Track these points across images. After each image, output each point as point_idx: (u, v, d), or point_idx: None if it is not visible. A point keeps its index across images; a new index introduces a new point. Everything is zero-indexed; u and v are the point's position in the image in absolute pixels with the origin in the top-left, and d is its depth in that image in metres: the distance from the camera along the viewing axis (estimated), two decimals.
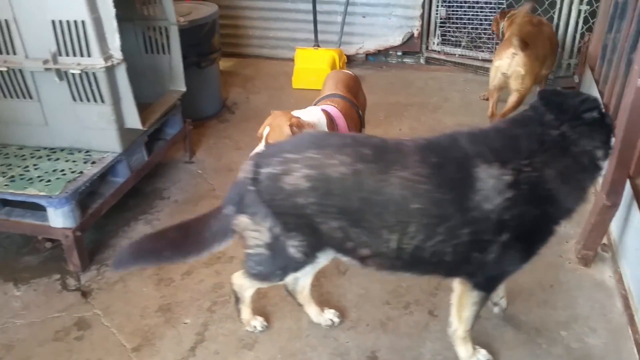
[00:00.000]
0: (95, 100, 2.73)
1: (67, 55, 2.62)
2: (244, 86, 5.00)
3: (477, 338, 2.23)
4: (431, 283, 2.54)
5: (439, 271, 1.89)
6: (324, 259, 1.90)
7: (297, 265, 1.86)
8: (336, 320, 2.33)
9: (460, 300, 1.96)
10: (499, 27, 4.20)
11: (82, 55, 2.61)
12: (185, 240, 1.98)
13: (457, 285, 1.95)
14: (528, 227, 1.72)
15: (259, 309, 2.43)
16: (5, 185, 2.65)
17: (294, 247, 1.77)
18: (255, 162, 1.80)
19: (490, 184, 1.62)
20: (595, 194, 2.68)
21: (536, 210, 1.69)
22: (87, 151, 2.92)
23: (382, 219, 1.67)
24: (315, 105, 2.85)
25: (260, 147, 2.44)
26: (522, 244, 1.75)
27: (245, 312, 2.25)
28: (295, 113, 2.60)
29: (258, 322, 2.29)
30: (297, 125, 2.46)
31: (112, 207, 2.90)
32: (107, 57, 2.62)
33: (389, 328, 2.32)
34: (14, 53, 2.68)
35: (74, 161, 2.84)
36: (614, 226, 2.69)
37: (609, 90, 3.26)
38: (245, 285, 2.13)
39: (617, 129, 2.41)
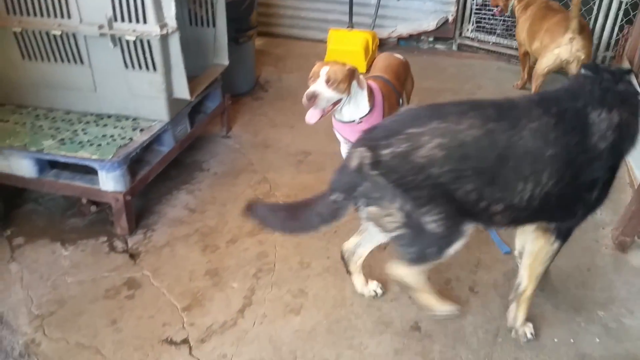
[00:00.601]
0: (147, 68, 2.78)
1: (123, 21, 2.67)
2: (275, 65, 5.03)
3: None
4: (470, 261, 2.59)
5: (549, 217, 2.01)
6: (468, 231, 1.87)
7: (444, 241, 1.84)
8: (379, 291, 2.39)
9: (537, 255, 2.09)
10: (508, 3, 4.19)
11: (137, 21, 2.66)
12: (295, 219, 2.04)
13: (537, 240, 2.08)
14: (619, 164, 1.93)
15: (302, 278, 2.49)
16: (56, 147, 2.72)
17: (432, 221, 1.78)
18: (367, 147, 1.78)
19: (604, 126, 1.82)
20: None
21: (626, 148, 1.91)
22: (135, 119, 2.98)
23: (517, 171, 1.78)
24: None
25: (320, 85, 2.57)
26: (611, 180, 1.94)
27: (428, 297, 2.09)
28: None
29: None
30: (353, 72, 2.63)
31: (155, 176, 2.97)
32: (163, 25, 2.67)
33: None
34: (69, 17, 2.74)
35: (123, 128, 2.90)
36: None
37: None
38: (409, 274, 2.00)
39: None
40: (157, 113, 2.93)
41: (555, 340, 2.19)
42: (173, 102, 2.96)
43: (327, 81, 2.55)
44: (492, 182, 1.78)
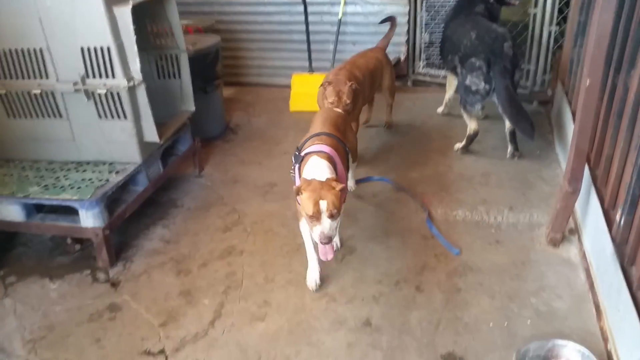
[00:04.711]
0: (118, 117, 3.12)
1: (94, 77, 3.03)
2: (245, 110, 5.41)
3: (458, 305, 2.57)
4: (418, 265, 2.88)
5: None
6: None
7: None
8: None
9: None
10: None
11: (107, 77, 3.02)
12: None
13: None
14: None
15: (267, 291, 2.77)
16: (41, 192, 3.02)
17: None
18: None
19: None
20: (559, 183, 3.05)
21: None
22: (111, 163, 3.30)
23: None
24: (305, 141, 2.77)
25: (327, 225, 2.35)
26: None
27: None
28: (305, 173, 2.53)
29: None
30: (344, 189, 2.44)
31: (133, 215, 3.26)
32: (129, 78, 3.03)
33: (380, 301, 2.65)
34: (47, 77, 3.10)
35: (100, 171, 3.22)
36: (579, 211, 3.04)
37: (575, 99, 3.67)
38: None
39: (575, 123, 2.82)
40: (130, 156, 3.25)
41: (491, 324, 2.47)
42: (144, 146, 3.29)
43: (332, 217, 2.34)
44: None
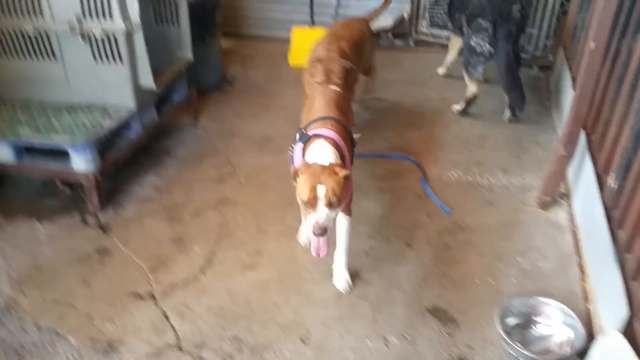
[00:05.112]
0: (114, 61, 3.07)
1: (91, 17, 2.95)
2: (243, 63, 5.32)
3: (446, 262, 2.60)
4: (409, 222, 2.90)
5: None
6: None
7: None
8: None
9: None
10: None
11: (104, 18, 2.94)
12: None
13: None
14: None
15: (259, 242, 2.78)
16: (32, 134, 2.99)
17: None
18: None
19: None
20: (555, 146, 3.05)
21: None
22: (104, 107, 3.25)
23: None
24: (311, 123, 2.48)
25: (323, 214, 2.09)
26: None
27: None
28: (308, 155, 2.30)
29: None
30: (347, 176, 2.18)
31: (125, 162, 3.25)
32: (127, 20, 2.95)
33: (371, 255, 2.68)
34: (42, 16, 3.01)
35: (93, 115, 3.17)
36: (571, 175, 3.05)
37: (576, 64, 3.63)
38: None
39: (575, 87, 2.79)
40: (125, 101, 3.20)
41: (476, 281, 2.51)
42: (140, 92, 3.24)
43: (330, 205, 2.08)
44: None
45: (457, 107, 4.07)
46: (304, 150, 2.36)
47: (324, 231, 2.08)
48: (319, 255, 2.16)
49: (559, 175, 2.91)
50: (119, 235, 2.84)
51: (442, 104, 4.25)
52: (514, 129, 3.85)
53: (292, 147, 2.50)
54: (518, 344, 2.07)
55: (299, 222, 2.78)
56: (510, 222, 2.89)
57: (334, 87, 2.78)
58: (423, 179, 3.23)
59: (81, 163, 2.90)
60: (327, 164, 2.17)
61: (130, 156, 3.30)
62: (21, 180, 3.28)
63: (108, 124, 3.09)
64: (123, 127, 3.24)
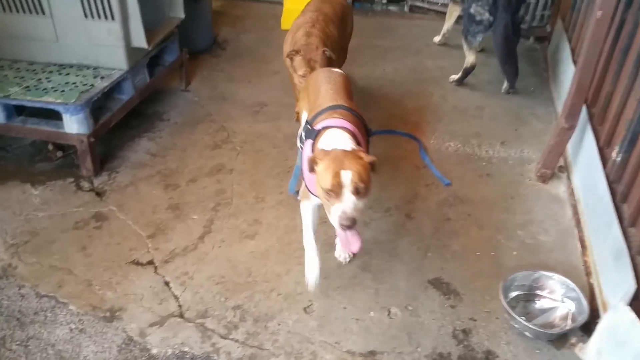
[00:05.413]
0: (105, 17, 2.93)
1: None
2: (233, 25, 5.16)
3: (446, 234, 2.60)
4: (409, 193, 2.88)
5: None
6: None
7: None
8: None
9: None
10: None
11: None
12: None
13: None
14: None
15: (257, 210, 2.74)
16: (22, 94, 2.87)
17: None
18: None
19: None
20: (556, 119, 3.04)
21: None
22: (95, 68, 3.13)
23: None
24: (317, 115, 2.25)
25: (350, 203, 1.84)
26: None
27: None
28: (322, 145, 2.05)
29: None
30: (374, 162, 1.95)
31: (117, 125, 3.14)
32: None
33: (371, 226, 2.66)
34: None
35: (84, 76, 3.06)
36: (571, 149, 3.05)
37: (576, 36, 3.60)
38: None
39: (578, 59, 2.76)
40: (117, 61, 3.09)
41: (478, 254, 2.51)
42: (131, 52, 3.11)
43: (357, 192, 1.84)
44: None
45: (454, 77, 4.03)
46: (314, 146, 2.11)
47: (352, 222, 1.82)
48: (352, 250, 1.90)
49: (559, 148, 2.91)
50: (115, 201, 2.77)
51: (438, 73, 4.20)
52: (512, 100, 3.82)
53: (301, 145, 2.31)
54: (522, 318, 2.09)
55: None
56: (510, 195, 2.89)
57: (335, 70, 2.63)
58: (422, 150, 3.20)
59: (74, 125, 2.80)
60: (348, 148, 1.95)
61: (122, 120, 3.20)
62: (10, 142, 3.16)
63: (100, 84, 2.98)
64: (115, 88, 3.13)
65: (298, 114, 3.23)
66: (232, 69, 4.26)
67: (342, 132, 2.06)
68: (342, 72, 2.64)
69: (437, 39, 4.75)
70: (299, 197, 2.38)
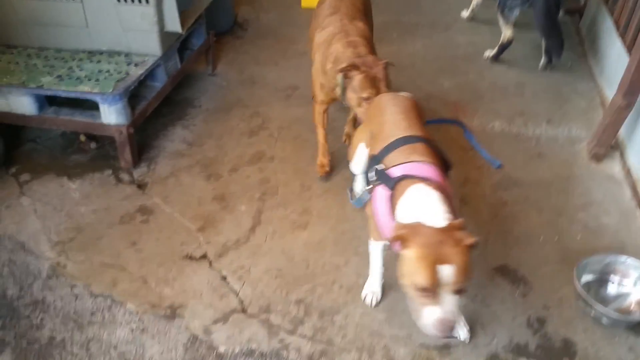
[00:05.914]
0: (139, 1, 2.79)
1: None
2: (252, 4, 5.00)
3: (506, 219, 2.51)
4: (459, 178, 2.78)
5: None
6: None
7: None
8: None
9: None
10: None
11: None
12: None
13: None
14: None
15: (305, 199, 2.65)
16: (55, 83, 2.74)
17: None
18: None
19: None
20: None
21: None
22: (127, 54, 3.00)
23: None
24: (388, 149, 1.89)
25: (451, 305, 1.51)
26: None
27: None
28: (406, 211, 1.68)
29: None
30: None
31: (152, 114, 3.02)
32: None
33: None
34: None
35: (117, 63, 2.93)
36: (623, 127, 2.94)
37: (619, 9, 3.45)
38: None
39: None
40: (150, 47, 2.96)
41: (541, 239, 2.43)
42: (164, 37, 2.98)
43: (458, 292, 1.52)
44: None
45: (489, 52, 3.89)
46: (392, 200, 1.74)
47: (451, 329, 1.51)
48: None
49: (615, 126, 2.81)
50: (158, 193, 2.68)
51: (471, 49, 4.06)
52: (550, 76, 3.70)
53: (369, 188, 1.89)
54: (600, 305, 2.01)
55: (344, 179, 2.64)
56: (565, 176, 2.79)
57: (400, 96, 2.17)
58: (467, 132, 3.10)
59: (112, 115, 2.69)
60: (442, 224, 1.56)
61: (156, 108, 3.08)
62: (40, 134, 3.05)
63: (135, 72, 2.86)
64: (147, 76, 3.00)
65: (347, 137, 2.98)
66: (257, 51, 4.13)
67: (430, 190, 1.67)
68: (409, 94, 2.23)
69: (465, 13, 4.60)
70: (351, 200, 2.18)
